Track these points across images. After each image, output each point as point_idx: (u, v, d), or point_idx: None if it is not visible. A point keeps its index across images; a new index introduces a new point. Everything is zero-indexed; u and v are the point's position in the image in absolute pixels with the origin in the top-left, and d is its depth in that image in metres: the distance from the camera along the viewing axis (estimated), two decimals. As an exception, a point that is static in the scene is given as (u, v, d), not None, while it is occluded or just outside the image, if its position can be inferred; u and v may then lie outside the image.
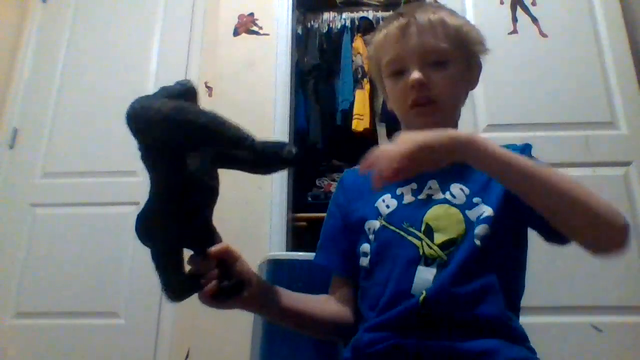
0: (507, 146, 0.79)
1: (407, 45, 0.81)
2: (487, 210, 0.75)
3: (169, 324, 2.06)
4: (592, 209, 0.64)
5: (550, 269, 1.69)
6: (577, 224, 0.66)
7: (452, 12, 0.86)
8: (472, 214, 0.75)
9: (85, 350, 2.04)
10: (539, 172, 0.65)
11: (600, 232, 0.65)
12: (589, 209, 0.64)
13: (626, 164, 1.93)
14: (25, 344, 2.08)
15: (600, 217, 0.64)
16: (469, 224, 0.74)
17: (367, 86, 2.76)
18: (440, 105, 0.80)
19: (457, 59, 0.82)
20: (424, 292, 0.69)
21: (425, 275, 0.71)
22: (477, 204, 0.76)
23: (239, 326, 1.84)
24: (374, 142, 2.80)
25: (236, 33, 2.40)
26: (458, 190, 0.78)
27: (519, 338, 0.71)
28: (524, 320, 0.76)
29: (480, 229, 0.73)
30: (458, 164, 0.74)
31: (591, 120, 2.00)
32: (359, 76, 2.77)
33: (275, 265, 1.35)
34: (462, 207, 0.76)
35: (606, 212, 0.64)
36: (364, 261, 0.80)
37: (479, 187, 0.77)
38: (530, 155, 0.79)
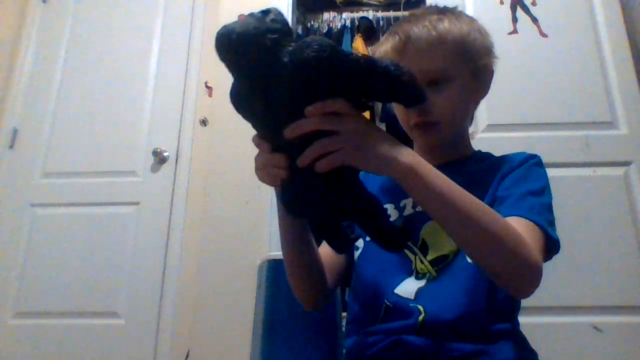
0: (515, 154, 0.81)
1: None
2: None
3: (169, 324, 2.06)
4: (504, 244, 0.62)
5: (550, 269, 1.68)
6: (489, 261, 0.64)
7: (458, 18, 0.81)
8: None
9: (85, 350, 2.04)
10: (467, 210, 0.62)
11: (517, 273, 0.63)
12: (499, 244, 0.62)
13: (626, 164, 1.93)
14: (25, 344, 2.08)
15: (513, 255, 0.62)
16: None
17: (367, 86, 2.76)
18: (442, 126, 0.79)
19: (460, 74, 0.79)
20: (423, 312, 0.70)
21: (409, 287, 0.73)
22: None
23: (239, 326, 1.84)
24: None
25: (236, 33, 2.40)
26: None
27: (518, 342, 0.72)
28: (524, 320, 0.76)
29: None
30: (460, 179, 0.76)
31: (591, 120, 2.00)
32: (359, 76, 2.77)
33: (275, 265, 1.35)
34: None
35: (518, 253, 0.62)
36: (356, 254, 0.83)
37: None
38: (531, 167, 0.78)
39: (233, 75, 0.58)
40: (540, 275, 0.64)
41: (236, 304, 1.91)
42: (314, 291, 0.81)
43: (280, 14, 0.56)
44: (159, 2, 2.55)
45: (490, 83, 0.86)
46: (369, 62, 0.57)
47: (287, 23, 0.56)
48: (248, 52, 0.54)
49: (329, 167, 0.56)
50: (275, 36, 0.54)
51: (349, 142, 0.57)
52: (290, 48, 0.54)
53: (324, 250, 0.81)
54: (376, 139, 0.59)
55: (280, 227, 0.74)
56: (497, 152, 0.87)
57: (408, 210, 0.79)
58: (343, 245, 0.69)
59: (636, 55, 2.08)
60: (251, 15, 0.55)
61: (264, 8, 0.58)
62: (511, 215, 0.68)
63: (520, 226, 0.66)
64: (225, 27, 0.55)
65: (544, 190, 0.75)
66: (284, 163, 0.58)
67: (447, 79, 0.77)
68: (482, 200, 0.73)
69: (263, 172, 0.62)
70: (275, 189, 0.66)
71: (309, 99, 0.55)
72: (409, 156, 0.60)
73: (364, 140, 0.58)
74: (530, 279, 0.64)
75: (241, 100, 0.59)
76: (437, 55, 0.77)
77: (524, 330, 0.75)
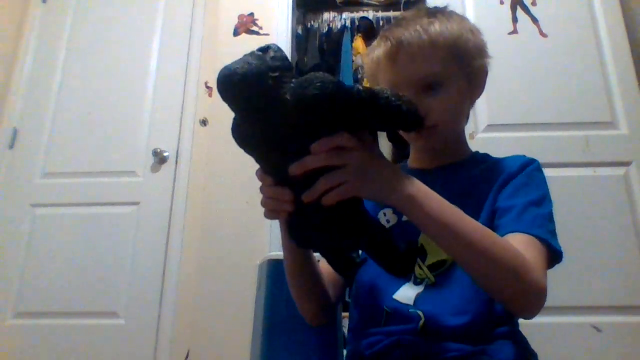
0: (513, 158, 0.81)
1: (397, 73, 0.78)
2: None
3: (169, 324, 2.06)
4: (507, 269, 0.62)
5: (550, 269, 1.69)
6: (492, 285, 0.64)
7: (449, 18, 0.80)
8: None
9: (85, 350, 2.03)
10: (469, 237, 0.62)
11: (521, 297, 0.64)
12: (502, 269, 0.62)
13: (626, 164, 1.93)
14: (25, 344, 2.07)
15: (515, 280, 0.62)
16: None
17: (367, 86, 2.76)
18: (438, 129, 0.78)
19: (454, 76, 0.78)
20: (422, 316, 0.70)
21: (408, 292, 0.73)
22: None
23: (239, 326, 1.84)
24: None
25: (236, 33, 2.40)
26: None
27: (518, 342, 0.72)
28: (525, 320, 0.76)
29: None
30: (458, 184, 0.76)
31: (591, 120, 2.00)
32: (359, 76, 2.77)
33: (275, 265, 1.35)
34: None
35: (522, 277, 0.62)
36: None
37: (471, 211, 0.73)
38: (531, 174, 0.77)
39: (235, 113, 0.58)
40: (545, 297, 0.64)
41: (236, 304, 1.91)
42: (317, 307, 0.82)
43: (279, 49, 0.56)
44: (159, 2, 2.55)
45: (484, 83, 0.85)
46: (371, 96, 0.58)
47: (286, 58, 0.57)
48: (251, 92, 0.54)
49: (336, 200, 0.57)
50: (277, 74, 0.54)
51: (354, 175, 0.57)
52: (292, 84, 0.54)
53: (325, 266, 0.81)
54: (378, 169, 0.60)
55: (283, 248, 0.75)
56: (497, 153, 0.86)
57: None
58: (348, 269, 0.69)
59: (636, 55, 2.08)
60: (251, 54, 0.55)
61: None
62: (513, 231, 0.69)
63: (522, 243, 0.66)
64: (226, 68, 0.55)
65: (544, 198, 0.75)
66: (289, 197, 0.59)
67: (441, 83, 0.77)
68: (481, 208, 0.74)
69: (267, 206, 0.63)
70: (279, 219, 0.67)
71: (312, 135, 0.56)
72: (408, 185, 0.61)
73: (368, 171, 0.59)
74: (535, 301, 0.64)
75: (243, 136, 0.60)
76: (430, 60, 0.77)
77: (524, 330, 0.75)
